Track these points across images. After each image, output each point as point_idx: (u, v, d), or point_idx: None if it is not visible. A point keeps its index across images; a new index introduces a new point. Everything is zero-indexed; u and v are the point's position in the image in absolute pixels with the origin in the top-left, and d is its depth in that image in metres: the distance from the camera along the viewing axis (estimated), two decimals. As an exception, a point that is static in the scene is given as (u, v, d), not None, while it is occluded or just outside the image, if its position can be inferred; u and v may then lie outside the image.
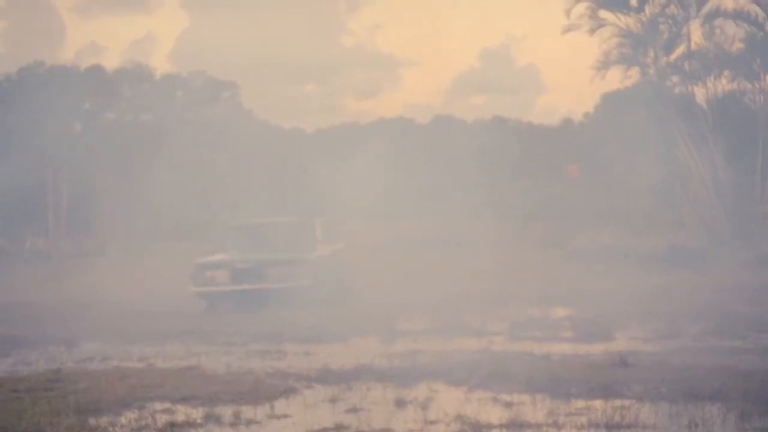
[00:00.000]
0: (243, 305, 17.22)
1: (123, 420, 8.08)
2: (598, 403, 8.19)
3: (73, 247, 35.75)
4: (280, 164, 37.72)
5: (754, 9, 27.61)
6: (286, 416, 8.22)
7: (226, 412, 8.23)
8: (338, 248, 19.50)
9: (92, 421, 8.00)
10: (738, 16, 27.57)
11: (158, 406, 8.67)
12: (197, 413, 8.29)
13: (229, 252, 18.44)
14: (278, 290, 17.06)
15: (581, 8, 27.82)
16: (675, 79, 28.38)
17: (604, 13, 27.93)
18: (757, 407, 7.72)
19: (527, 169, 39.54)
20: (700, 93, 27.98)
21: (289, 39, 64.12)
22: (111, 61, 76.45)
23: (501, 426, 7.49)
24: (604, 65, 28.06)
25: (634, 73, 28.11)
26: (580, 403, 8.28)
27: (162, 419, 8.07)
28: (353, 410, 8.31)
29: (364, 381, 9.79)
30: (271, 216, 21.98)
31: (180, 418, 8.14)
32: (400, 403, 8.66)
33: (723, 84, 28.09)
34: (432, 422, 7.78)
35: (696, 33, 27.97)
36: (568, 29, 28.21)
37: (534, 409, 8.15)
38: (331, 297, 17.53)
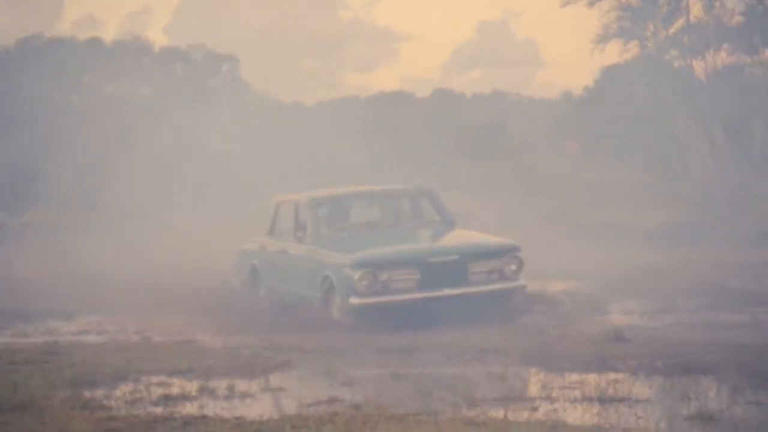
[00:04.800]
0: (436, 320, 11.27)
1: (118, 392, 8.12)
2: (592, 377, 8.22)
3: (74, 220, 35.71)
4: (281, 137, 37.65)
5: (754, -18, 27.51)
6: (280, 389, 8.25)
7: (221, 385, 8.26)
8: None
9: (87, 393, 8.03)
10: (738, -12, 27.48)
11: (153, 378, 8.71)
12: (192, 386, 8.33)
13: (384, 241, 12.31)
14: (485, 296, 11.75)
15: (580, -19, 27.73)
16: (674, 52, 28.32)
17: (603, -14, 27.84)
18: (749, 381, 7.74)
19: (527, 143, 39.45)
20: (699, 67, 27.93)
21: (287, 12, 63.83)
22: (108, 34, 76.16)
23: (495, 400, 7.51)
24: (603, 39, 27.99)
25: (633, 47, 28.07)
26: (574, 377, 8.31)
27: (157, 392, 8.11)
28: (348, 383, 8.34)
29: (361, 354, 9.83)
30: (365, 185, 14.83)
31: (175, 390, 8.18)
32: (396, 377, 8.69)
33: (722, 58, 28.04)
34: (426, 395, 7.81)
35: (695, 6, 27.87)
36: (566, 2, 28.12)
37: (528, 383, 8.17)
38: None
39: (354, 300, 11.34)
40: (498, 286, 11.69)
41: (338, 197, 13.37)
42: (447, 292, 11.45)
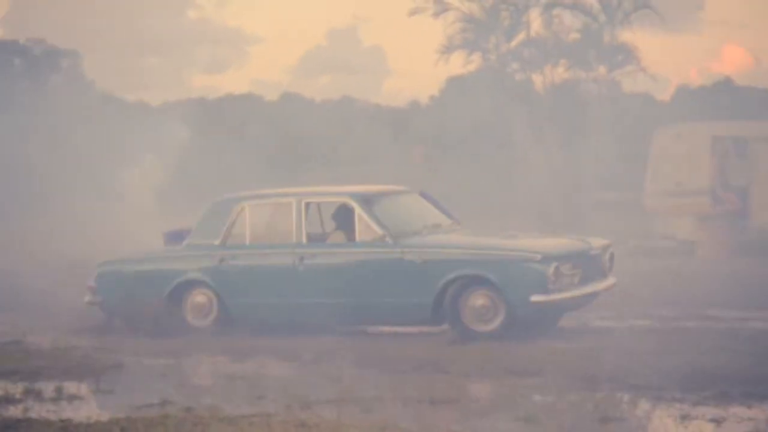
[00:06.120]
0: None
1: (-66, 396, 7.78)
2: (424, 379, 8.38)
3: None
4: (125, 136, 36.74)
5: (590, 0, 28.72)
6: (111, 392, 8.08)
7: (48, 387, 8.03)
8: None
9: None
10: (575, 6, 28.65)
11: (-25, 381, 8.39)
12: (17, 388, 8.07)
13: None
14: (603, 291, 11.17)
15: (427, -8, 28.31)
16: (515, 65, 29.27)
17: (449, -2, 28.52)
18: (573, 383, 8.05)
19: (373, 150, 39.81)
20: (538, 80, 28.96)
21: (132, 9, 62.57)
22: (-60, 25, 72.98)
23: (328, 401, 7.57)
24: (447, 49, 28.67)
25: (477, 59, 28.84)
26: (407, 379, 8.45)
27: (-22, 395, 7.82)
28: (181, 385, 8.25)
29: (197, 356, 9.73)
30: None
31: (-3, 393, 7.91)
32: (231, 379, 8.64)
33: (560, 72, 29.14)
34: (260, 397, 7.80)
35: (536, 21, 28.89)
36: (413, 12, 28.64)
37: (362, 384, 8.27)
38: None
39: (538, 297, 10.17)
40: (608, 282, 11.06)
41: (381, 194, 11.36)
42: (597, 286, 10.85)
